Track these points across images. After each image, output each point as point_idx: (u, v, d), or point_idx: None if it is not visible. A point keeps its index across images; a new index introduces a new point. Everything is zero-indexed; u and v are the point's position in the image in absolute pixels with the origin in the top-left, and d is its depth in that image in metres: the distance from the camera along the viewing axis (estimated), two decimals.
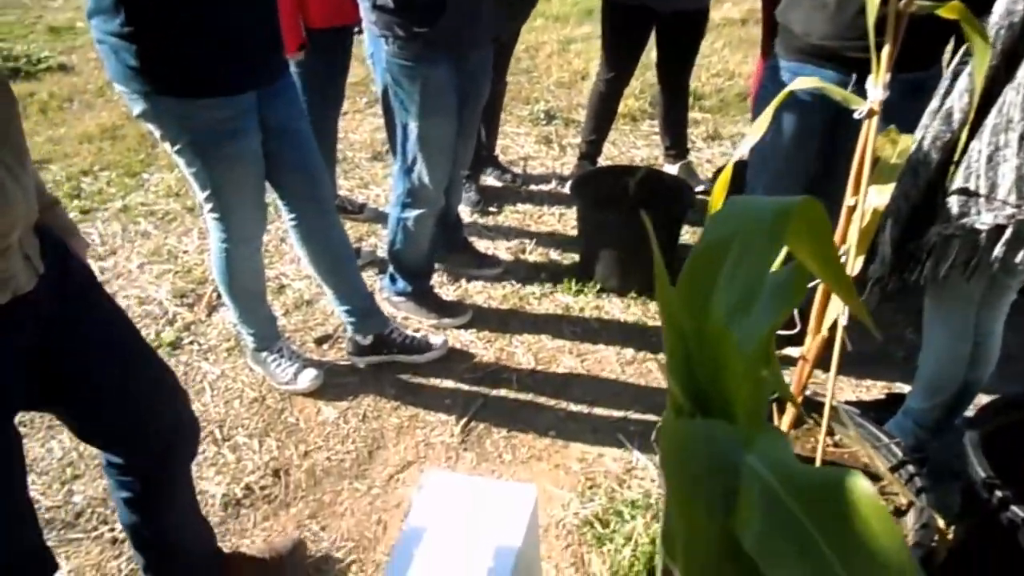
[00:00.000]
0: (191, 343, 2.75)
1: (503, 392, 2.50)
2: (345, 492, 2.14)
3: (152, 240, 3.38)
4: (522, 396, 2.48)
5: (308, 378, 2.46)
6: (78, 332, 1.31)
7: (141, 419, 1.46)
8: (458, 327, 2.79)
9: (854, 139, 1.28)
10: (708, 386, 0.68)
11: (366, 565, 1.93)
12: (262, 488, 2.16)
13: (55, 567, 1.37)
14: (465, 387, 2.52)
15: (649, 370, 2.58)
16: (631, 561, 1.87)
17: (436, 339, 2.63)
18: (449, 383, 2.54)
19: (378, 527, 2.04)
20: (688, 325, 0.69)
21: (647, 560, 1.85)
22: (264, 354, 2.48)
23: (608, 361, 2.62)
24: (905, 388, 2.41)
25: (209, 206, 2.10)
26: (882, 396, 2.39)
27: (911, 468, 1.59)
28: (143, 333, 2.86)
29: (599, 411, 2.41)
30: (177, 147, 1.93)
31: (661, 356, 2.62)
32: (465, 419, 2.38)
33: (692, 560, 0.64)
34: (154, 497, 1.54)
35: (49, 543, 1.39)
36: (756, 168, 2.23)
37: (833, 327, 1.37)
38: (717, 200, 1.36)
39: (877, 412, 1.95)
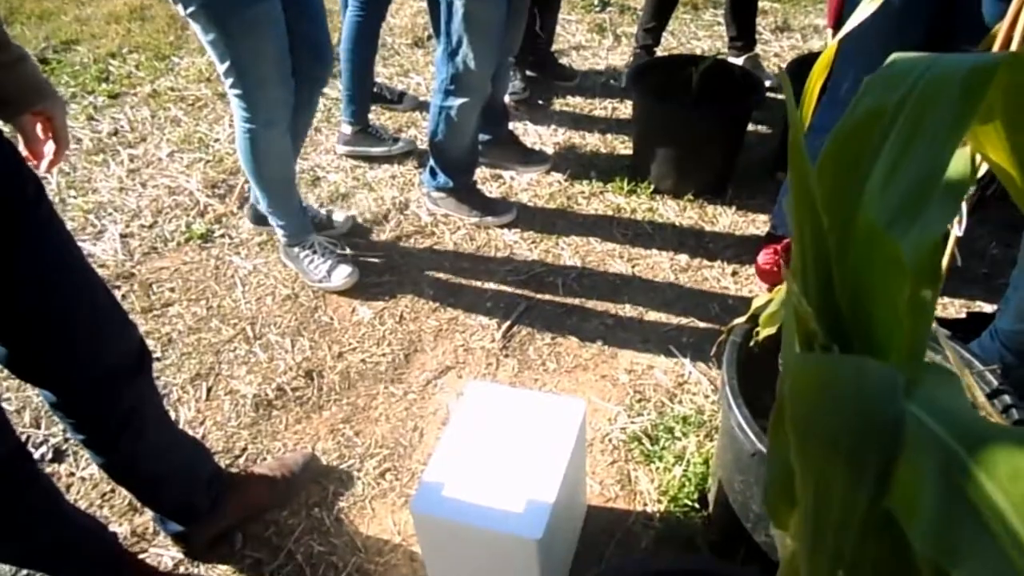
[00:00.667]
0: (222, 236, 2.63)
1: (548, 296, 2.35)
2: (380, 397, 2.05)
3: (182, 127, 3.23)
4: (568, 301, 2.33)
5: (342, 275, 2.34)
6: (10, 252, 1.13)
7: (78, 357, 1.26)
8: (501, 226, 2.62)
9: (976, 12, 1.04)
10: (851, 310, 0.51)
11: (401, 473, 1.85)
12: (294, 390, 2.07)
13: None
14: (508, 290, 2.37)
15: (705, 278, 2.40)
16: (681, 482, 1.75)
17: (338, 215, 2.58)
18: (491, 285, 2.39)
19: (414, 434, 1.94)
20: (828, 227, 0.51)
21: (699, 481, 1.73)
22: (296, 249, 2.35)
23: (661, 267, 2.45)
24: (986, 307, 2.20)
25: (229, 81, 1.92)
26: (962, 315, 2.19)
27: (1007, 398, 1.41)
28: (173, 225, 2.81)
29: (650, 319, 2.25)
30: (191, 9, 1.74)
31: (719, 264, 2.44)
32: (507, 324, 2.24)
33: (821, 535, 0.49)
34: (113, 434, 1.37)
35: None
36: (847, 57, 1.96)
37: (945, 236, 1.17)
38: (813, 91, 1.14)
39: (957, 332, 1.77)
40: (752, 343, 1.51)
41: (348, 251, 2.49)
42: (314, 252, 2.35)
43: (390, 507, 1.77)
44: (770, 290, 1.59)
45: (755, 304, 1.45)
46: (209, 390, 2.08)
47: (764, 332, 1.27)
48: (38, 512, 1.27)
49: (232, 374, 2.12)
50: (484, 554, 1.38)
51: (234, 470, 1.85)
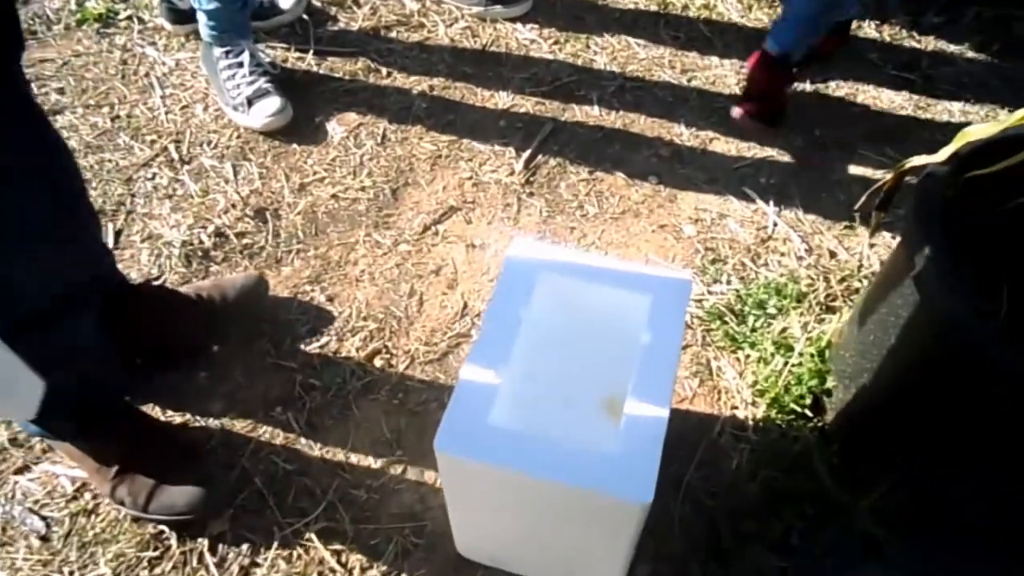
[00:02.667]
0: (128, 20, 1.92)
1: (580, 115, 1.76)
2: (361, 247, 1.49)
3: None
4: (607, 122, 1.74)
5: (267, 112, 1.64)
6: None
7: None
8: (513, 19, 1.96)
9: None
10: None
11: (396, 355, 1.34)
12: (240, 236, 1.50)
13: None
14: (526, 105, 1.77)
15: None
16: (786, 379, 1.28)
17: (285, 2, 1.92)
18: (503, 96, 1.78)
19: (410, 301, 1.41)
20: None
21: (811, 378, 1.26)
22: (216, 53, 1.67)
23: (724, 82, 1.85)
24: None
25: None
26: None
27: None
28: (59, 1, 2.08)
29: (716, 151, 1.70)
30: None
31: (797, 82, 1.86)
32: (529, 151, 1.66)
33: None
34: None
35: None
36: None
37: None
38: None
39: None
40: (951, 192, 0.98)
41: (297, 58, 1.82)
42: (239, 66, 1.67)
43: (382, 406, 1.28)
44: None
45: (965, 138, 0.92)
46: (119, 234, 1.50)
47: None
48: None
49: (151, 212, 1.53)
50: (550, 512, 0.91)
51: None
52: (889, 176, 1.09)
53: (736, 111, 1.71)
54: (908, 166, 1.01)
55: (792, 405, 1.25)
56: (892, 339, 1.03)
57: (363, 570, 1.11)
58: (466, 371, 0.89)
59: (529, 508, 0.91)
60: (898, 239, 1.14)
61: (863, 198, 1.18)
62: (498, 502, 0.93)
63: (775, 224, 1.55)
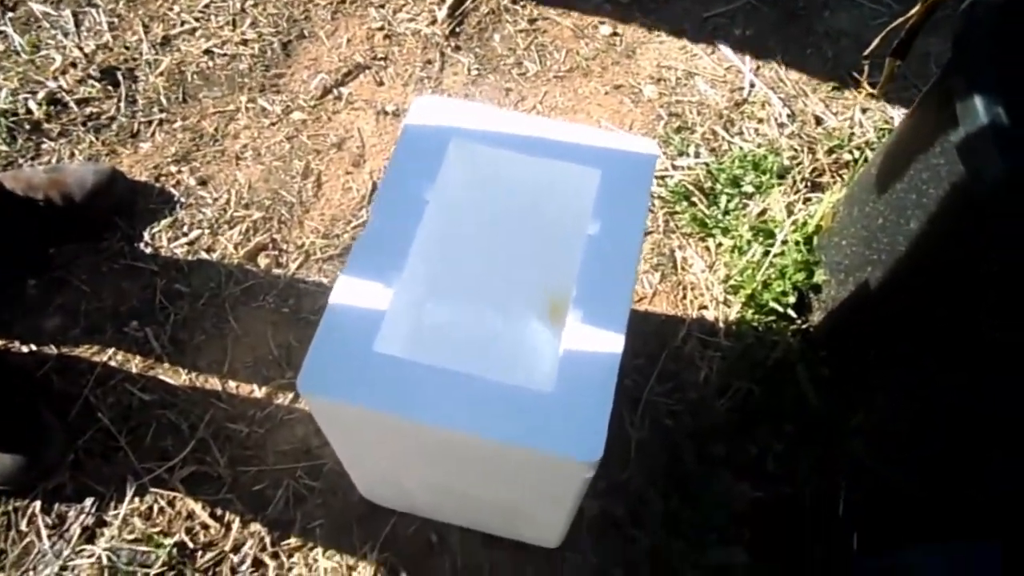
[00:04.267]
0: None
1: None
2: (243, 117, 1.19)
3: None
4: None
5: None
6: None
7: None
8: None
9: None
10: None
11: (286, 252, 1.07)
12: (83, 103, 1.18)
13: None
14: None
15: None
16: (765, 272, 1.05)
17: None
18: None
19: (305, 183, 1.13)
20: None
21: (796, 272, 1.03)
22: None
23: None
24: None
25: None
26: None
27: None
28: None
29: None
30: None
31: None
32: None
33: None
34: None
35: None
36: None
37: None
38: None
39: None
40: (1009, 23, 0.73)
41: None
42: None
43: (268, 316, 1.02)
44: None
45: None
46: None
47: None
48: None
49: None
50: (467, 467, 0.68)
51: None
52: (915, 9, 0.82)
53: None
54: None
55: (772, 304, 1.03)
56: (911, 222, 0.80)
57: (245, 523, 0.89)
58: (343, 280, 0.63)
59: (439, 461, 0.68)
60: (916, 98, 0.89)
61: (877, 40, 0.91)
62: (396, 453, 0.69)
63: (752, 85, 1.29)
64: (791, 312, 1.02)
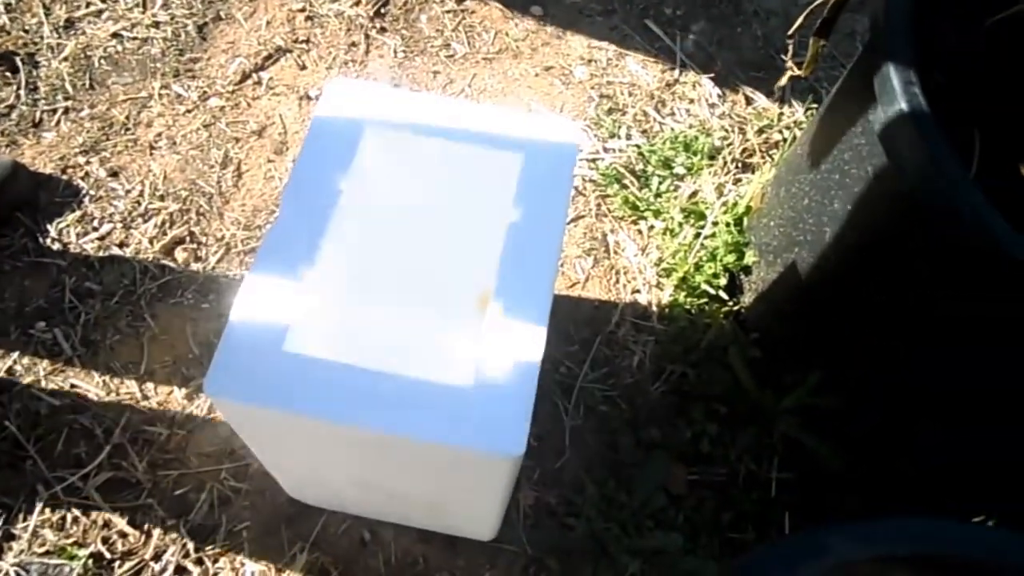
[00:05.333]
0: None
1: None
2: (155, 105, 1.13)
3: None
4: None
5: None
6: None
7: None
8: None
9: None
10: None
11: (205, 245, 1.02)
12: None
13: None
14: None
15: None
16: (697, 255, 1.05)
17: None
18: None
19: (224, 172, 1.09)
20: None
21: (727, 253, 1.03)
22: None
23: None
24: None
25: None
26: None
27: None
28: None
29: None
30: None
31: None
32: None
33: None
34: None
35: None
36: None
37: None
38: None
39: None
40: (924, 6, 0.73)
41: None
42: None
43: (187, 312, 0.98)
44: None
45: None
46: None
47: None
48: None
49: None
50: (390, 465, 0.65)
51: None
52: None
53: None
54: None
55: (704, 286, 1.03)
56: (834, 203, 0.80)
57: (166, 530, 0.85)
58: (251, 278, 0.60)
59: (359, 460, 0.65)
60: (840, 78, 0.89)
61: (800, 19, 0.91)
62: (316, 453, 0.67)
63: (683, 65, 1.28)
64: (723, 294, 1.02)
